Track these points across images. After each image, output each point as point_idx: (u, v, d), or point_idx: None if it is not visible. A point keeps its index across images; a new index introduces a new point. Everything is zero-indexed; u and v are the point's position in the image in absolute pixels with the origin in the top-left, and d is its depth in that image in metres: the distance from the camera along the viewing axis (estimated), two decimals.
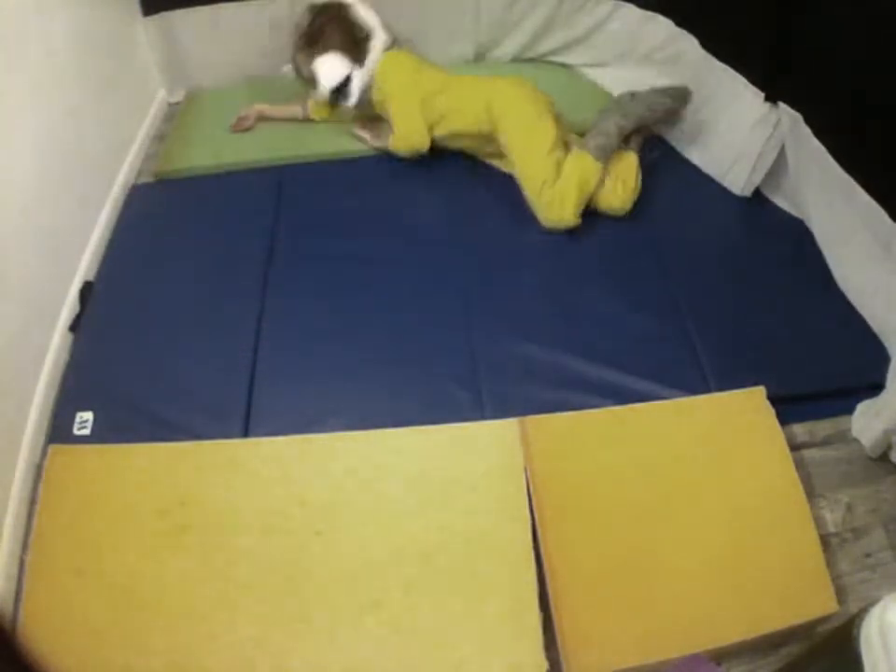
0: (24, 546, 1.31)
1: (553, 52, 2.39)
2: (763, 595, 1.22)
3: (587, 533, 1.28)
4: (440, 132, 1.99)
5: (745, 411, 1.44)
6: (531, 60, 2.43)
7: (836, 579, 1.28)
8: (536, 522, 1.28)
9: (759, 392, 1.46)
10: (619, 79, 2.23)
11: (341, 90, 2.05)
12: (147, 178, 2.13)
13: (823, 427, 1.51)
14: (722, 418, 1.44)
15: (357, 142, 2.16)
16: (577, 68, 2.38)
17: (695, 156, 2.04)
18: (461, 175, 2.04)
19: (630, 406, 1.45)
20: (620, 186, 1.85)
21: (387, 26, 2.08)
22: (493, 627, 1.18)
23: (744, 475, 1.36)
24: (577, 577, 1.23)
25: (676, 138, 2.08)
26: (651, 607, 1.21)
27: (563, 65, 2.40)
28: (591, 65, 2.33)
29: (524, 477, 1.33)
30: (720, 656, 1.21)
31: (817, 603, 1.21)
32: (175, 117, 2.33)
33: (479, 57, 2.42)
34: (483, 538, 1.27)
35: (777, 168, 1.83)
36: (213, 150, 2.16)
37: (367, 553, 1.26)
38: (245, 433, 1.46)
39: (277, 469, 1.36)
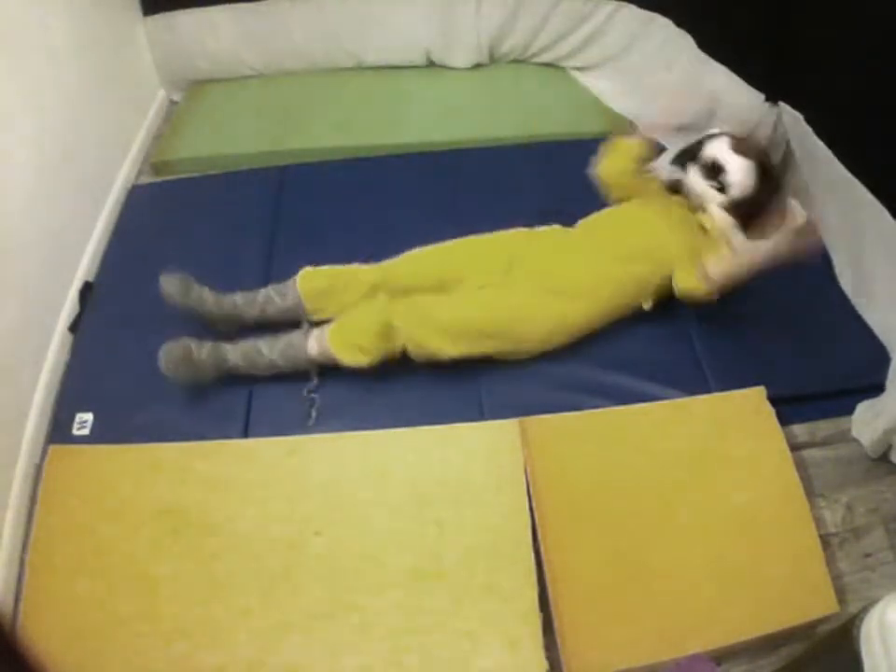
0: (24, 546, 1.31)
1: (551, 55, 2.38)
2: (763, 595, 1.22)
3: (587, 533, 1.28)
4: None
5: (745, 411, 1.44)
6: (526, 62, 2.43)
7: (836, 579, 1.28)
8: (536, 522, 1.28)
9: (759, 392, 1.46)
10: (614, 82, 2.23)
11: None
12: (147, 178, 2.13)
13: (823, 427, 1.51)
14: (722, 418, 1.44)
15: (357, 136, 2.15)
16: (570, 71, 2.38)
17: None
18: (461, 174, 2.04)
19: (630, 406, 1.45)
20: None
21: None
22: (493, 628, 1.18)
23: (744, 475, 1.36)
24: (577, 577, 1.23)
25: (673, 141, 2.07)
26: (652, 607, 1.21)
27: (557, 67, 2.41)
28: (587, 68, 2.33)
29: (524, 477, 1.33)
30: (720, 656, 1.21)
31: (817, 603, 1.21)
32: (175, 113, 2.34)
33: (480, 58, 2.41)
34: (483, 538, 1.27)
35: (777, 169, 1.83)
36: (212, 141, 2.17)
37: (366, 553, 1.26)
38: (245, 433, 1.46)
39: (277, 470, 1.36)
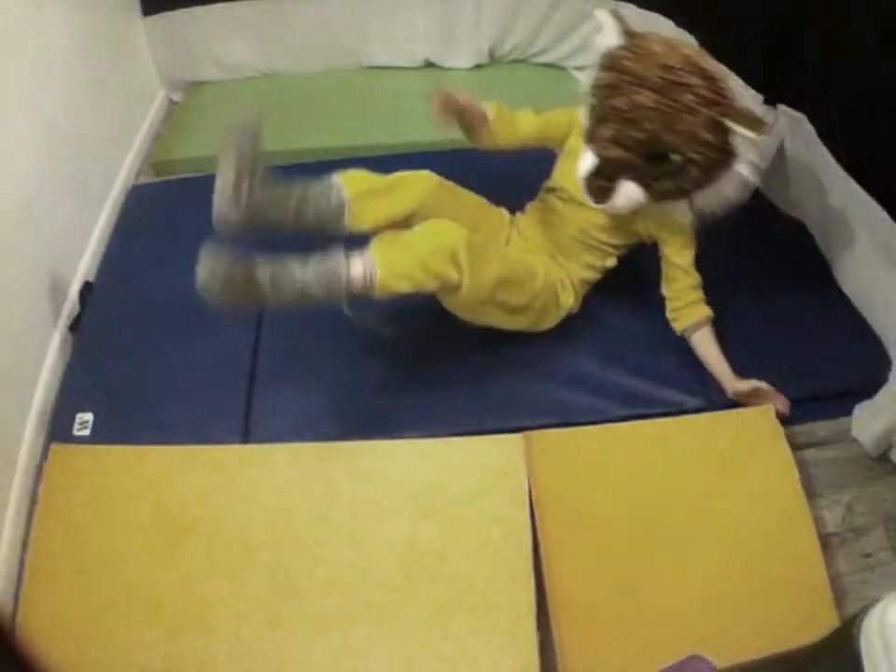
0: (24, 546, 1.31)
1: (551, 55, 2.39)
2: (766, 616, 1.21)
3: (590, 549, 1.27)
4: None
5: (753, 429, 1.43)
6: (526, 62, 2.44)
7: (836, 579, 1.28)
8: (538, 538, 1.26)
9: (768, 410, 1.44)
10: None
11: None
12: (147, 178, 2.13)
13: (823, 428, 1.51)
14: (730, 437, 1.42)
15: (357, 136, 2.14)
16: (571, 71, 2.38)
17: None
18: (461, 174, 2.03)
19: (635, 423, 1.44)
20: None
21: None
22: (489, 644, 1.17)
23: (751, 495, 1.35)
24: (579, 594, 1.22)
25: None
26: (654, 626, 1.20)
27: (557, 68, 2.41)
28: (588, 68, 2.33)
29: (526, 493, 1.31)
30: None
31: (820, 625, 1.18)
32: (175, 113, 2.34)
33: (480, 58, 2.41)
34: (483, 554, 1.26)
35: (777, 170, 1.83)
36: (212, 141, 2.15)
37: (365, 564, 1.26)
38: (246, 434, 1.45)
39: (278, 478, 1.35)
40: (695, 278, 1.49)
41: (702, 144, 1.26)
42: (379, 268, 1.21)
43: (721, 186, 1.33)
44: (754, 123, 1.23)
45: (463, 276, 1.25)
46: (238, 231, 1.29)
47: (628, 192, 1.36)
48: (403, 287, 1.23)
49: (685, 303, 1.49)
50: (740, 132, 1.24)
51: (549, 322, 1.56)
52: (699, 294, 1.49)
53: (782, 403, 1.45)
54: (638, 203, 1.38)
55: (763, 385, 1.42)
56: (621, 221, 1.47)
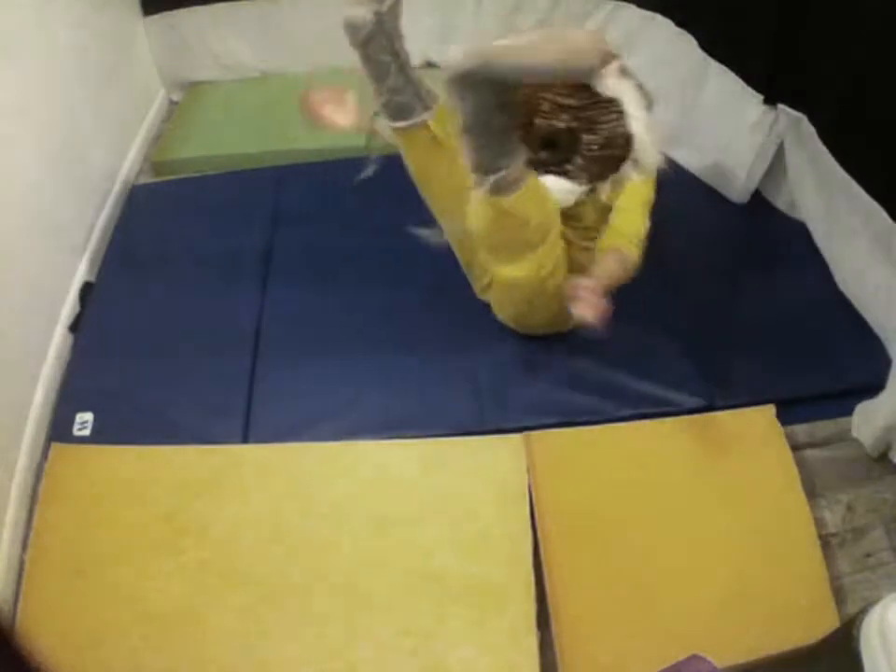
0: (24, 546, 1.31)
1: None
2: (766, 616, 1.21)
3: (590, 549, 1.27)
4: None
5: (754, 429, 1.43)
6: None
7: (836, 579, 1.28)
8: (539, 538, 1.26)
9: (768, 410, 1.44)
10: None
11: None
12: (146, 178, 2.13)
13: (823, 428, 1.51)
14: (730, 437, 1.42)
15: (355, 137, 2.15)
16: None
17: (692, 161, 2.03)
18: None
19: (635, 423, 1.44)
20: None
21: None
22: (489, 642, 1.17)
23: (751, 496, 1.35)
24: (579, 595, 1.22)
25: (672, 142, 2.07)
26: (654, 626, 1.20)
27: None
28: None
29: (526, 493, 1.31)
30: None
31: (820, 625, 1.18)
32: (175, 113, 2.34)
33: None
34: (483, 554, 1.26)
35: (777, 170, 1.83)
36: (212, 141, 2.17)
37: (365, 564, 1.26)
38: (245, 433, 1.45)
39: (278, 477, 1.36)
40: (634, 225, 1.33)
41: (567, 109, 1.25)
42: (522, 187, 1.21)
43: (637, 133, 1.22)
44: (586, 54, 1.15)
45: (544, 242, 1.27)
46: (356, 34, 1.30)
47: (550, 186, 1.34)
48: (518, 212, 1.23)
49: (604, 236, 1.33)
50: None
51: (565, 327, 1.52)
52: (631, 240, 1.32)
53: (593, 308, 1.14)
54: (571, 192, 1.36)
55: (587, 281, 1.19)
56: (588, 210, 1.43)
